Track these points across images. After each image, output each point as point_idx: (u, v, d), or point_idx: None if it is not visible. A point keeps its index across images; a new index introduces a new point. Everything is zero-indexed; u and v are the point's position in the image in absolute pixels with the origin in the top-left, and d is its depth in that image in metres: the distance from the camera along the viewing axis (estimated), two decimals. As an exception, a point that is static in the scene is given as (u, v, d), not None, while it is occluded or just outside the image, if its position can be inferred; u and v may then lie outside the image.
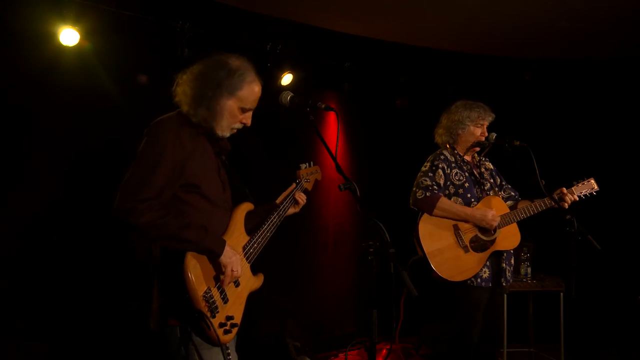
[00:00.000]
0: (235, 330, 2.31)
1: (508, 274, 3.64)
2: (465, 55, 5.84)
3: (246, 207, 2.52)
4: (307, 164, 3.00)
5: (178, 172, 2.21)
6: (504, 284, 3.61)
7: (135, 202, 2.10)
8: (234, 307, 2.34)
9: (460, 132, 3.69)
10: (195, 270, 2.17)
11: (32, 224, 3.98)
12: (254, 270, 2.52)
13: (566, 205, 3.50)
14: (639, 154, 5.78)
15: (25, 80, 3.96)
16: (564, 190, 3.55)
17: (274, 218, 2.63)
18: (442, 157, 3.66)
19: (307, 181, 2.94)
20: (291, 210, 2.78)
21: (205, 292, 2.18)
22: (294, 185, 2.86)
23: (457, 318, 3.57)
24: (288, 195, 2.79)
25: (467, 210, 3.51)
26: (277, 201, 2.77)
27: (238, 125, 2.41)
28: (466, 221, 3.51)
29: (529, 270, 5.07)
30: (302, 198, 2.81)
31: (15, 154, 3.98)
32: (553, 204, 3.49)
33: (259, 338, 4.74)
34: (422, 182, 3.58)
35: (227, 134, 2.40)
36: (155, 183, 2.15)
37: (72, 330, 4.01)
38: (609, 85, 5.89)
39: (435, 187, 3.55)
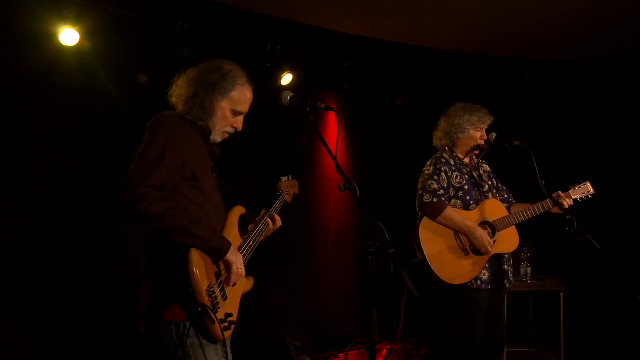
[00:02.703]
0: (233, 327, 2.33)
1: (510, 276, 3.65)
2: (465, 55, 5.84)
3: (239, 210, 2.55)
4: (287, 177, 3.01)
5: (181, 162, 2.23)
6: (507, 285, 3.61)
7: (146, 188, 2.08)
8: (232, 306, 2.36)
9: (460, 135, 3.68)
10: (199, 265, 2.17)
11: (32, 224, 3.98)
12: (246, 272, 2.53)
13: (566, 205, 3.50)
14: (638, 154, 5.79)
15: (25, 80, 3.96)
16: (561, 193, 3.54)
17: (262, 225, 2.66)
18: (443, 160, 3.65)
19: (287, 194, 2.95)
20: (265, 234, 2.71)
21: (208, 287, 2.19)
22: (278, 197, 2.89)
23: (458, 320, 3.57)
24: (274, 205, 2.81)
25: (470, 225, 3.49)
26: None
27: (230, 130, 2.46)
28: (465, 235, 3.50)
29: (529, 270, 5.07)
30: (277, 223, 2.73)
31: (14, 154, 3.98)
32: (551, 206, 3.49)
33: (259, 338, 4.74)
34: (429, 185, 3.56)
35: (218, 138, 2.45)
36: (163, 171, 2.15)
37: (69, 330, 4.01)
38: (608, 85, 5.89)
39: (442, 191, 3.54)
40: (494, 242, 3.51)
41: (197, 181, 2.28)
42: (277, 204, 2.83)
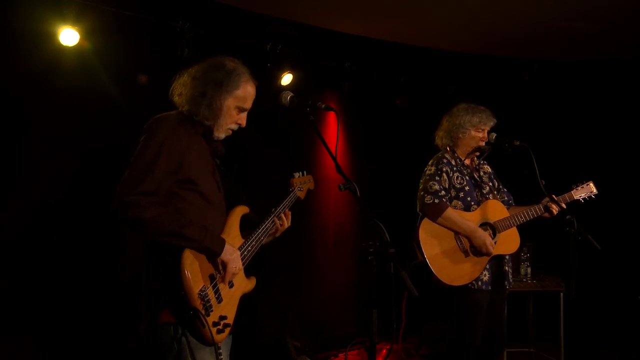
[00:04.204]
0: (227, 330, 2.31)
1: (510, 277, 3.65)
2: (465, 55, 5.84)
3: (242, 210, 2.53)
4: (301, 172, 2.98)
5: (176, 166, 2.22)
6: (507, 287, 3.61)
7: (137, 195, 2.10)
8: (227, 308, 2.35)
9: (461, 135, 3.67)
10: (192, 267, 2.17)
11: (32, 224, 3.98)
12: (247, 273, 2.53)
13: (555, 212, 3.49)
14: (638, 154, 5.79)
15: (25, 80, 3.96)
16: (555, 197, 3.53)
17: (268, 223, 2.63)
18: (444, 160, 3.65)
19: (300, 190, 2.92)
20: (270, 236, 2.67)
21: (200, 290, 2.19)
22: (289, 193, 2.86)
23: (458, 321, 3.56)
24: (284, 202, 2.78)
25: (471, 226, 3.48)
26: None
27: (234, 126, 2.45)
28: (466, 237, 3.50)
29: (529, 270, 5.07)
30: (287, 222, 2.69)
31: (14, 154, 3.98)
32: (550, 205, 3.49)
33: (259, 338, 4.74)
34: (430, 186, 3.56)
35: (222, 135, 2.43)
36: (155, 176, 2.16)
37: (70, 329, 4.01)
38: (608, 85, 5.89)
39: (443, 192, 3.54)
40: (495, 243, 3.51)
41: (194, 184, 2.28)
42: (287, 201, 2.79)
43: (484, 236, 3.47)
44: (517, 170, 3.77)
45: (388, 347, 5.23)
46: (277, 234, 2.69)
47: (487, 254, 3.47)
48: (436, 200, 3.51)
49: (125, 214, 2.10)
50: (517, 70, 6.06)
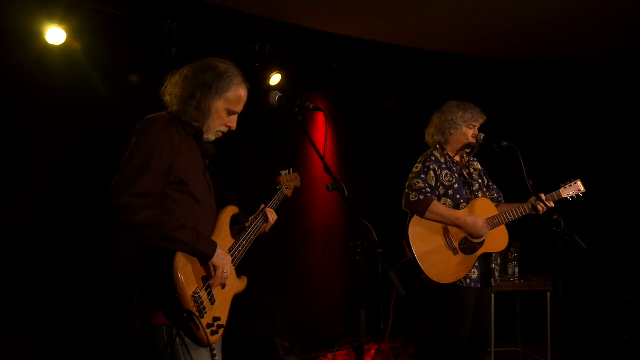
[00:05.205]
0: (221, 331, 2.31)
1: (497, 275, 3.67)
2: (454, 56, 5.85)
3: (231, 210, 2.53)
4: (287, 170, 2.99)
5: (167, 167, 2.21)
6: (493, 284, 3.63)
7: (132, 197, 2.09)
8: (220, 309, 2.35)
9: (453, 132, 3.69)
10: (185, 270, 2.17)
11: (22, 225, 3.95)
12: (238, 273, 2.53)
13: (541, 211, 3.52)
14: (626, 155, 5.83)
15: (11, 79, 3.92)
16: (543, 196, 3.56)
17: (258, 222, 2.64)
18: (432, 158, 3.66)
19: (287, 188, 2.94)
20: (262, 229, 2.71)
21: (194, 292, 2.18)
22: (277, 191, 2.88)
23: (446, 319, 3.57)
24: (272, 200, 2.80)
25: (460, 215, 3.50)
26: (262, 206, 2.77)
27: (223, 129, 2.44)
28: (457, 226, 3.51)
29: (517, 270, 5.09)
30: (272, 216, 2.75)
31: (0, 154, 3.94)
32: (537, 204, 3.51)
33: (248, 338, 4.73)
34: (415, 184, 3.57)
35: (212, 137, 2.42)
36: (148, 178, 2.15)
37: (64, 331, 3.98)
38: (596, 85, 5.93)
39: (428, 189, 3.55)
40: (484, 241, 3.53)
41: (185, 186, 2.27)
42: (276, 199, 2.82)
43: (474, 220, 3.48)
44: (505, 169, 3.79)
45: (376, 347, 5.24)
46: (266, 230, 2.74)
47: (482, 236, 3.48)
48: (421, 197, 3.52)
49: (119, 216, 2.10)
50: (506, 71, 6.08)
